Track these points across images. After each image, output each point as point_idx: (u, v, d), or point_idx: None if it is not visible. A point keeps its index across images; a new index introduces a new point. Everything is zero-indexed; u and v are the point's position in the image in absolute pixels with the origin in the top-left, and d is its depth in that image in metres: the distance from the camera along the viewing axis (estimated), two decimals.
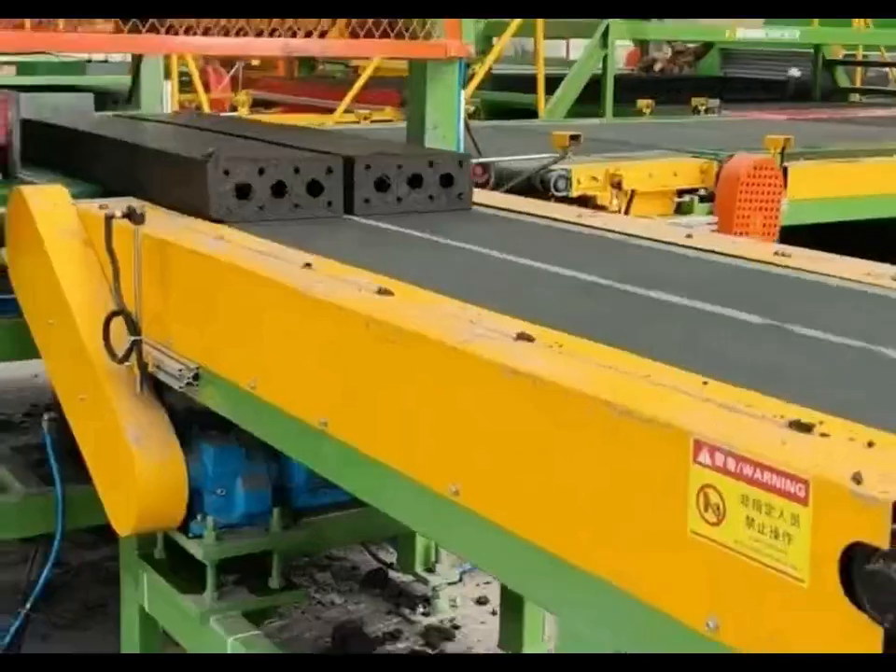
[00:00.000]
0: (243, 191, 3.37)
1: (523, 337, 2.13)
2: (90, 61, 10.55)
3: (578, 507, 1.86)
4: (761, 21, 9.18)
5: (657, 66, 11.43)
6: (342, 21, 4.36)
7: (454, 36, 4.10)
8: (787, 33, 9.00)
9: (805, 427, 1.64)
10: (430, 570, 4.62)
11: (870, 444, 1.58)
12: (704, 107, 7.61)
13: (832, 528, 1.49)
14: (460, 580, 4.66)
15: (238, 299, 2.80)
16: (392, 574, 4.97)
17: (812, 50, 10.21)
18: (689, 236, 3.22)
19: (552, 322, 2.22)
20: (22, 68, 11.59)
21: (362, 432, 2.41)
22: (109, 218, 3.15)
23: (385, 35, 4.10)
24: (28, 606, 4.20)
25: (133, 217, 3.09)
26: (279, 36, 3.94)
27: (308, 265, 2.75)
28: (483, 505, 2.07)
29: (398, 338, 2.26)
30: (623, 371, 1.94)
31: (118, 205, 3.23)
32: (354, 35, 4.09)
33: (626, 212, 4.55)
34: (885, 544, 1.42)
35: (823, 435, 1.62)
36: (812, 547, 1.51)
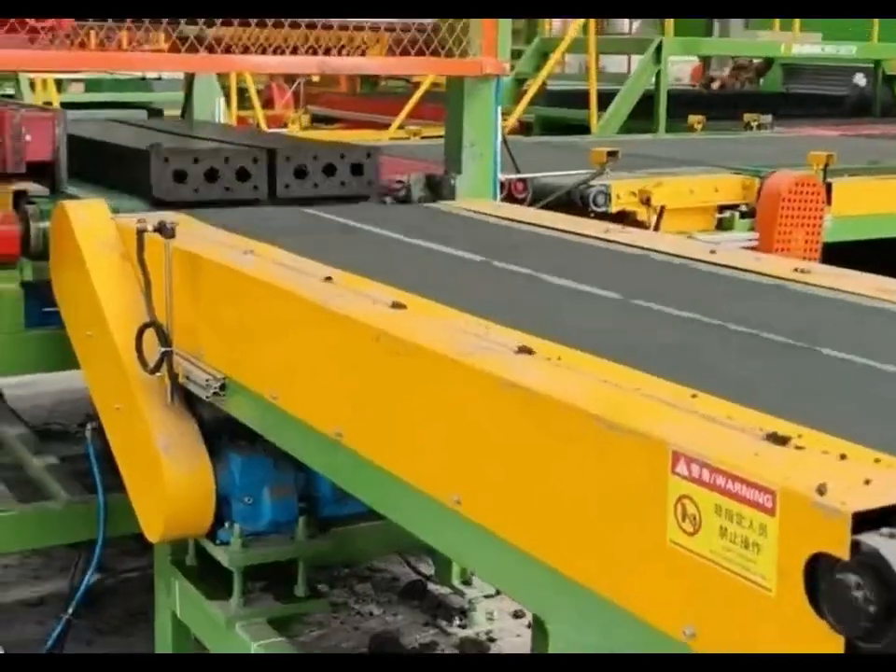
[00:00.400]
0: (180, 176, 4.03)
1: (523, 350, 2.17)
2: (159, 78, 10.76)
3: (566, 517, 1.90)
4: (818, 35, 9.15)
5: (716, 83, 11.41)
6: (383, 38, 4.42)
7: (490, 54, 4.14)
8: (843, 48, 8.96)
9: (781, 440, 1.66)
10: (467, 583, 4.65)
11: (842, 457, 1.60)
12: (756, 123, 7.59)
13: (797, 539, 1.51)
14: (497, 592, 4.68)
15: (260, 311, 2.86)
16: (431, 586, 5.01)
17: (872, 65, 10.16)
18: (713, 252, 3.24)
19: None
20: (90, 85, 11.84)
21: (373, 443, 2.45)
22: (141, 232, 3.23)
23: (421, 52, 4.15)
24: (70, 611, 4.30)
25: (163, 230, 3.16)
26: (314, 54, 4.01)
27: (329, 279, 2.80)
28: (481, 514, 2.11)
29: (405, 350, 2.31)
30: (616, 384, 1.98)
31: (151, 219, 3.31)
32: (391, 52, 4.15)
33: (656, 228, 4.56)
34: (845, 555, 1.44)
35: (798, 448, 1.64)
36: (779, 557, 1.53)
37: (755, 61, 11.62)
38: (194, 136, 4.98)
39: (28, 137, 4.00)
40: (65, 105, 8.91)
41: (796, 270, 2.98)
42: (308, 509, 3.42)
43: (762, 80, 11.83)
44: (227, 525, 3.31)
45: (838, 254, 4.89)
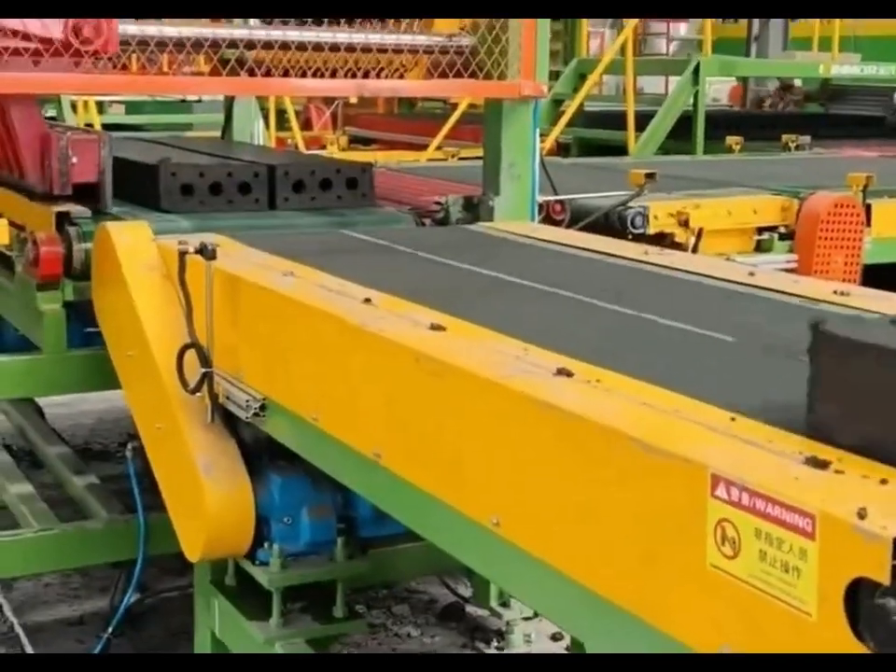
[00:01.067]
0: (187, 189, 4.30)
1: (563, 372, 2.18)
2: (199, 100, 10.84)
3: (605, 539, 1.90)
4: (857, 56, 9.12)
5: (766, 103, 11.34)
6: (421, 61, 4.45)
7: (528, 76, 4.16)
8: (883, 69, 8.92)
9: (821, 464, 1.66)
10: (505, 605, 4.65)
11: (883, 482, 1.60)
12: (794, 144, 7.57)
13: (837, 563, 1.51)
14: (535, 615, 4.68)
15: (300, 332, 2.88)
16: (469, 608, 5.01)
17: None
18: (751, 274, 3.23)
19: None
20: (130, 107, 11.96)
21: (412, 464, 2.47)
22: (183, 254, 3.26)
23: (459, 74, 4.17)
24: (110, 630, 4.33)
25: (204, 252, 3.19)
26: (353, 77, 4.04)
27: (368, 300, 2.82)
28: (519, 536, 2.12)
29: (444, 372, 2.32)
30: (655, 406, 1.98)
31: (193, 241, 3.34)
32: (429, 74, 4.18)
33: (694, 250, 4.56)
34: (886, 580, 1.44)
35: (838, 472, 1.64)
36: (819, 581, 1.53)
37: (800, 84, 11.55)
38: (204, 152, 5.16)
39: (74, 159, 4.05)
40: (106, 127, 9.01)
41: (835, 292, 2.97)
42: (347, 529, 3.43)
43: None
44: (266, 545, 3.32)
45: (878, 276, 4.88)
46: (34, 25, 3.75)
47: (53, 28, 3.79)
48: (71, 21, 3.81)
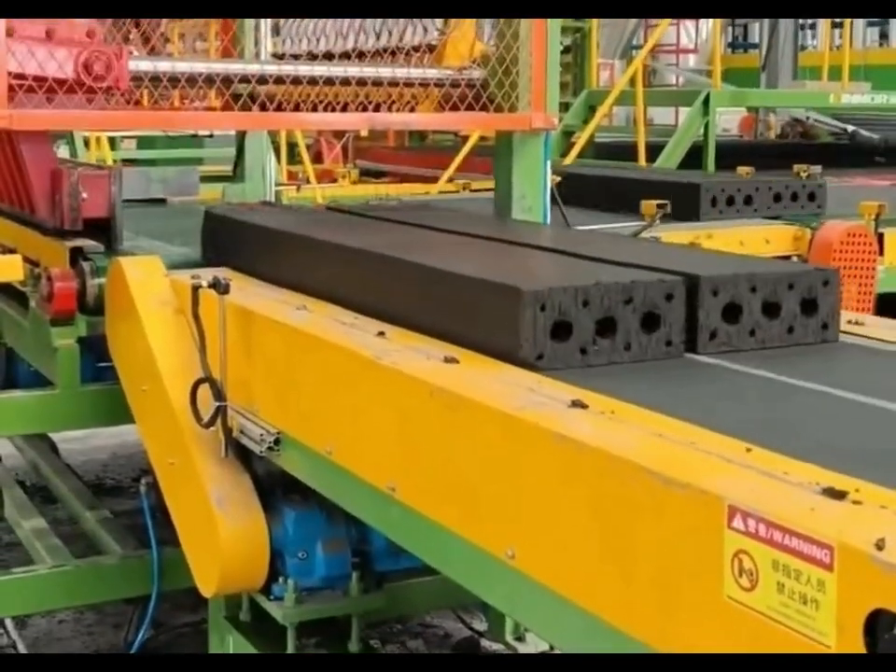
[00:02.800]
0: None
1: (577, 404, 2.18)
2: (211, 135, 10.88)
3: (622, 572, 1.89)
4: (867, 85, 9.13)
5: (790, 134, 11.33)
6: (432, 94, 4.47)
7: (538, 108, 4.17)
8: (893, 98, 8.92)
9: (839, 494, 1.65)
10: (520, 639, 4.61)
11: None
12: (805, 174, 7.55)
13: (856, 594, 1.50)
14: (551, 648, 4.65)
15: (314, 366, 2.88)
16: (484, 642, 4.98)
17: None
18: None
19: None
20: (142, 142, 12.01)
21: (426, 497, 2.46)
22: (196, 288, 3.27)
23: (470, 107, 4.19)
24: None
25: (217, 286, 3.20)
26: (364, 110, 4.06)
27: (381, 334, 2.82)
28: (535, 568, 2.11)
29: (459, 405, 2.31)
30: (670, 438, 1.97)
31: (206, 276, 3.35)
32: (440, 107, 4.19)
33: None
34: None
35: (856, 503, 1.63)
36: (838, 613, 1.52)
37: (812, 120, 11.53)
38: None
39: (84, 195, 4.07)
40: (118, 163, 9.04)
41: (849, 322, 2.96)
42: (362, 563, 3.42)
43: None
44: (281, 579, 3.31)
45: (892, 305, 4.87)
46: (48, 64, 3.77)
47: (65, 65, 3.82)
48: (82, 58, 3.83)
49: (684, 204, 5.29)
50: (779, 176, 7.88)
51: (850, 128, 10.56)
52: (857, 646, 1.49)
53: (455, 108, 4.19)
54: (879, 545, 1.47)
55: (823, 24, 12.19)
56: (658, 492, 1.80)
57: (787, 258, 5.00)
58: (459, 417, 2.31)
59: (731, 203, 5.44)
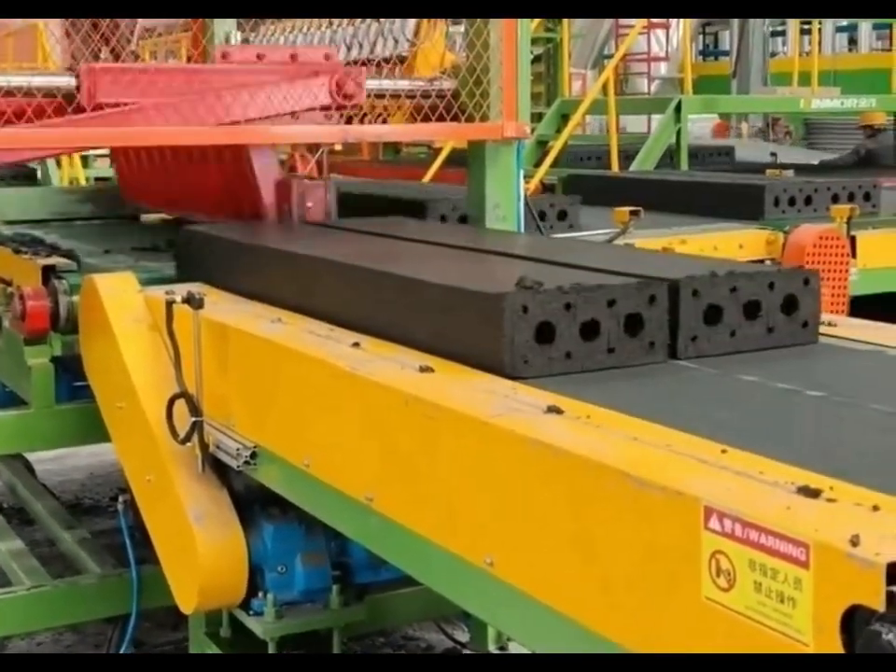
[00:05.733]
0: None
1: (552, 410, 2.17)
2: None
3: (600, 576, 1.89)
4: (837, 90, 9.19)
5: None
6: (404, 105, 4.47)
7: (510, 118, 4.17)
8: (863, 101, 8.98)
9: (813, 493, 1.65)
10: (503, 649, 4.60)
11: (875, 508, 1.60)
12: (777, 178, 7.61)
13: (832, 591, 1.50)
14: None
15: (289, 379, 2.88)
16: (466, 653, 4.96)
17: (893, 117, 10.19)
18: None
19: None
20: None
21: (404, 507, 2.45)
22: (170, 304, 3.25)
23: (441, 118, 4.19)
24: None
25: (192, 301, 3.18)
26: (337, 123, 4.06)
27: (356, 345, 2.82)
28: (514, 575, 2.10)
29: (434, 414, 2.31)
30: (646, 441, 1.97)
31: (180, 291, 3.33)
32: (412, 118, 4.19)
33: None
34: (881, 606, 1.43)
35: (830, 500, 1.64)
36: (814, 611, 1.52)
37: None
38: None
39: (310, 203, 4.27)
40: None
41: (824, 323, 2.97)
42: (342, 576, 3.41)
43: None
44: (260, 594, 3.30)
45: (865, 307, 4.88)
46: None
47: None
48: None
49: (748, 205, 5.59)
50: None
51: None
52: (833, 643, 1.49)
53: (426, 119, 4.19)
54: (854, 541, 1.47)
55: (792, 31, 12.28)
56: (634, 495, 1.80)
57: (760, 261, 5.02)
58: (435, 426, 2.31)
59: (792, 204, 5.63)
